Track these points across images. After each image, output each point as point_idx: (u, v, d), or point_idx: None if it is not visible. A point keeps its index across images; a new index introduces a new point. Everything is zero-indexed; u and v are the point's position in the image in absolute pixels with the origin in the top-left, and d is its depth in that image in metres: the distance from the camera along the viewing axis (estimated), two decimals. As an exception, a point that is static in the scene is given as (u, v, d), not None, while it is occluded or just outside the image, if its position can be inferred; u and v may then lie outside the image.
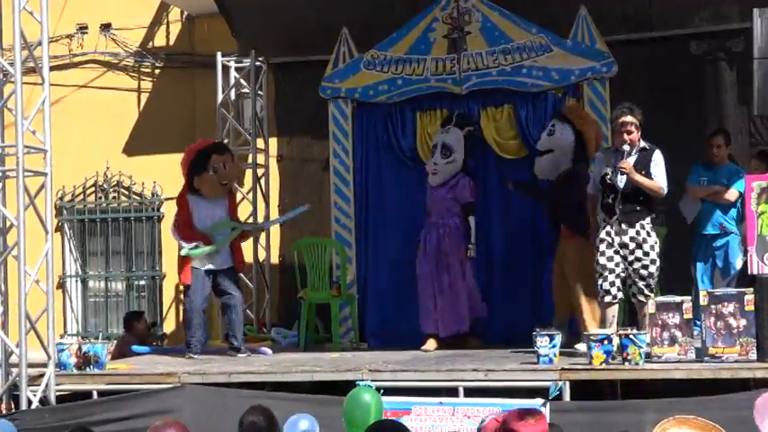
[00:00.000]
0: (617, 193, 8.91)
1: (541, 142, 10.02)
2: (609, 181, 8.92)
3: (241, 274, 11.05)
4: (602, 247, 8.94)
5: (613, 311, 9.00)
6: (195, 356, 9.98)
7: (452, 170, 10.25)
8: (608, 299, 8.96)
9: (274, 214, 12.79)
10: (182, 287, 10.87)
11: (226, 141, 12.35)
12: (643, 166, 8.93)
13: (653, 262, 8.92)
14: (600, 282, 8.92)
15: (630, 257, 8.93)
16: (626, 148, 8.91)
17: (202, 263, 10.05)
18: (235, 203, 10.69)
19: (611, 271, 8.91)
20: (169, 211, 13.25)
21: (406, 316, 10.86)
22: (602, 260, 8.93)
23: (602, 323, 9.03)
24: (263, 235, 12.57)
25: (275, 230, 13.01)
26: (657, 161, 8.95)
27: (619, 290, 8.98)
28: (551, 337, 8.41)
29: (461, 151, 10.32)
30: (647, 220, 8.96)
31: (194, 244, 9.96)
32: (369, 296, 11.20)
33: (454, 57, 10.85)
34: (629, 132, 8.89)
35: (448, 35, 10.91)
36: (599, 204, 9.10)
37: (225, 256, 10.18)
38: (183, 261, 10.09)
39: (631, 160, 8.93)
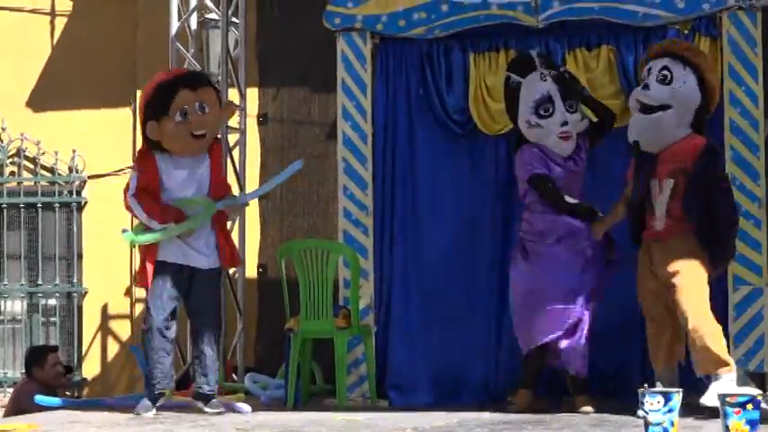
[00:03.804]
0: None
1: (653, 93, 8.64)
2: None
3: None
4: None
5: None
6: (144, 413, 8.34)
7: (581, 129, 9.17)
8: None
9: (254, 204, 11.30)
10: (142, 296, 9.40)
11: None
12: None
13: None
14: None
15: None
16: None
17: (175, 253, 8.47)
18: (219, 164, 9.08)
19: None
20: (93, 194, 12.16)
21: (449, 359, 9.41)
22: None
23: None
24: (233, 235, 10.91)
25: (252, 229, 11.39)
26: None
27: None
28: (667, 398, 7.23)
29: None
30: None
31: (163, 227, 8.44)
32: (393, 329, 9.62)
33: (528, -28, 9.75)
34: None
35: (517, -62, 9.64)
36: None
37: (208, 248, 8.61)
38: (145, 252, 8.57)
39: None
